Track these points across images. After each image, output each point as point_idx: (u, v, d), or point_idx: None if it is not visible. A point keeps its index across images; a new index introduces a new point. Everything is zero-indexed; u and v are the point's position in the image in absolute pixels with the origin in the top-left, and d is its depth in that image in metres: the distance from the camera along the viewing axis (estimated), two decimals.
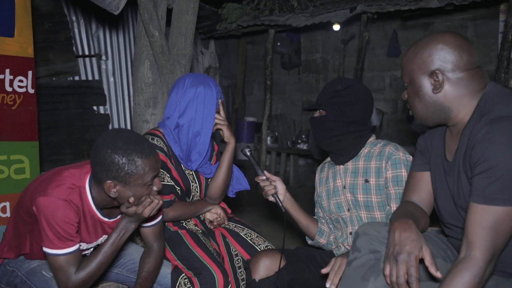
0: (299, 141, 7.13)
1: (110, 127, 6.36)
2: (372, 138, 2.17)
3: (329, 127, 2.10)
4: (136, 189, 1.70)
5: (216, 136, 2.61)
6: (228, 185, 2.44)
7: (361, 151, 2.14)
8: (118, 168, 1.64)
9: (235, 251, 2.33)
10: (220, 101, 2.33)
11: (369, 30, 5.90)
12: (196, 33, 5.84)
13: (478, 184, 1.38)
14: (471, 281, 1.33)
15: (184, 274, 2.09)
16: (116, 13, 3.18)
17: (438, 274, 1.35)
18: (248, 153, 2.26)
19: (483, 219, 1.35)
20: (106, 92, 6.33)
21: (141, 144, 1.69)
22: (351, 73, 6.93)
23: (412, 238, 1.41)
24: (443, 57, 1.52)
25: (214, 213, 2.42)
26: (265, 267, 2.04)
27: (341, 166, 2.19)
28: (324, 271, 1.77)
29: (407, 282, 1.38)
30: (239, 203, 5.61)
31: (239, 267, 2.29)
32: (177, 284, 2.07)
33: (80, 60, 6.12)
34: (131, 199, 1.70)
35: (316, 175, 2.37)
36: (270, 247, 2.33)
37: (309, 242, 2.33)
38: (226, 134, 2.34)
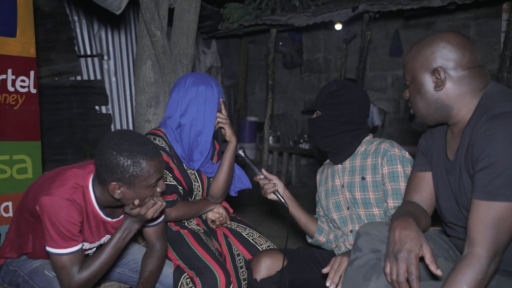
0: (301, 141, 7.13)
1: (112, 126, 6.37)
2: (368, 137, 2.20)
3: (325, 127, 2.14)
4: (140, 190, 1.71)
5: (218, 136, 2.62)
6: (230, 184, 2.44)
7: (358, 149, 2.17)
8: (123, 170, 1.65)
9: (237, 250, 2.33)
10: (221, 100, 2.33)
11: (371, 29, 5.90)
12: (198, 32, 5.85)
13: (480, 180, 1.38)
14: (474, 278, 1.32)
15: (186, 274, 2.09)
16: (117, 13, 3.18)
17: (438, 272, 1.35)
18: (243, 154, 2.28)
19: (485, 216, 1.35)
20: (108, 92, 6.34)
21: (146, 146, 1.69)
22: (353, 72, 6.92)
23: (412, 236, 1.41)
24: (445, 55, 1.53)
25: (216, 213, 2.42)
26: (267, 267, 2.04)
27: (339, 166, 2.21)
28: (324, 270, 1.78)
29: (408, 281, 1.38)
30: (241, 203, 5.61)
31: (241, 267, 2.29)
32: (179, 284, 2.07)
33: (82, 60, 6.13)
34: (136, 201, 1.71)
35: (317, 176, 2.39)
36: (272, 247, 2.34)
37: (309, 240, 2.33)
38: (228, 133, 2.35)
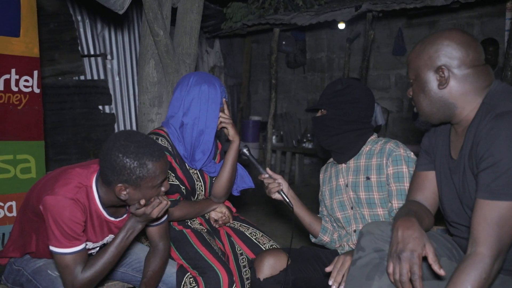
0: (304, 140, 7.12)
1: (115, 126, 6.38)
2: (373, 136, 2.19)
3: (330, 126, 2.12)
4: (146, 191, 1.72)
5: (221, 135, 2.61)
6: (232, 184, 2.44)
7: (362, 149, 2.16)
8: (130, 172, 1.65)
9: (240, 250, 2.33)
10: (224, 99, 2.33)
11: (374, 28, 5.89)
12: (201, 32, 5.85)
13: (484, 179, 1.38)
14: (478, 277, 1.32)
15: (189, 273, 2.09)
16: (121, 12, 3.18)
17: (441, 272, 1.35)
18: (247, 153, 2.27)
19: (488, 215, 1.35)
20: (111, 92, 6.35)
21: (151, 147, 1.70)
22: (357, 71, 6.91)
23: (415, 236, 1.41)
24: (449, 53, 1.52)
25: (219, 212, 2.42)
26: (270, 266, 2.04)
27: (343, 165, 2.20)
28: (328, 269, 1.78)
29: (411, 280, 1.37)
30: (244, 202, 5.62)
31: (244, 266, 2.29)
32: (182, 283, 2.07)
33: (86, 60, 6.14)
34: (142, 201, 1.72)
35: (320, 175, 2.38)
36: (275, 246, 2.34)
37: (313, 240, 2.33)
38: (231, 132, 2.35)
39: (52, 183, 1.76)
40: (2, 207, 2.99)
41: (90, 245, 1.90)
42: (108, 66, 6.32)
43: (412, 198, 1.76)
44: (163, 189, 1.77)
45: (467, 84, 1.52)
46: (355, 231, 2.14)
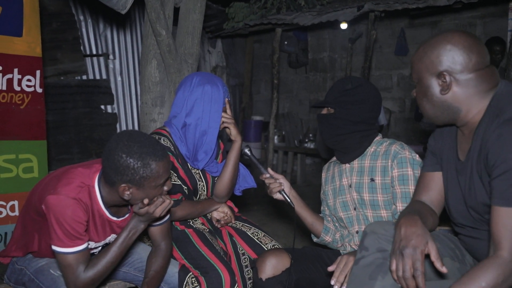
0: (306, 140, 7.12)
1: (117, 126, 6.39)
2: (378, 137, 2.16)
3: (336, 125, 2.10)
4: (149, 191, 1.72)
5: (223, 135, 2.62)
6: (234, 184, 2.44)
7: (367, 150, 2.13)
8: (134, 172, 1.66)
9: (242, 250, 2.33)
10: (226, 100, 2.33)
11: (376, 28, 5.88)
12: (203, 32, 5.85)
13: (498, 186, 1.38)
14: (496, 277, 1.31)
15: (191, 273, 2.10)
16: (123, 12, 3.18)
17: (444, 269, 1.35)
18: (249, 153, 2.26)
19: (507, 221, 1.35)
20: (113, 91, 6.36)
21: (154, 147, 1.70)
22: (359, 71, 6.91)
23: (418, 233, 1.41)
24: (451, 58, 1.51)
25: (221, 212, 2.42)
26: (272, 266, 2.03)
27: (347, 165, 2.18)
28: (330, 268, 1.77)
29: (413, 277, 1.37)
30: (246, 202, 5.61)
31: (246, 266, 2.29)
32: (184, 283, 2.07)
33: (88, 60, 6.15)
34: (146, 200, 1.72)
35: (323, 174, 2.37)
36: (277, 246, 2.33)
37: (315, 239, 2.32)
38: (233, 132, 2.35)
39: (54, 182, 1.76)
40: (5, 207, 3.00)
41: (92, 244, 1.90)
42: (110, 65, 6.33)
43: (418, 198, 1.76)
44: (165, 188, 1.77)
45: (471, 88, 1.51)
46: (357, 232, 2.13)
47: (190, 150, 2.30)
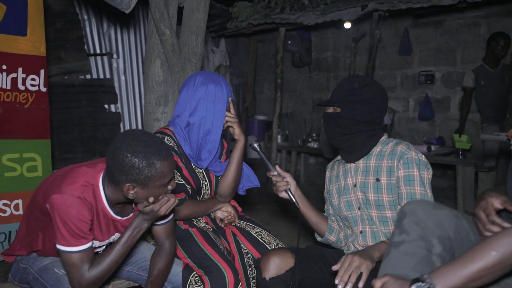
0: (310, 140, 7.12)
1: (121, 125, 6.40)
2: (384, 137, 2.15)
3: (343, 125, 2.08)
4: (154, 190, 1.73)
5: (226, 134, 2.61)
6: (238, 183, 2.44)
7: (373, 149, 2.12)
8: (139, 171, 1.66)
9: (245, 249, 2.33)
10: (230, 99, 2.33)
11: (380, 28, 5.87)
12: (207, 31, 5.85)
13: None
14: (508, 245, 1.26)
15: (195, 272, 2.10)
16: (127, 11, 3.19)
17: None
18: (258, 148, 2.22)
19: None
20: (117, 91, 6.37)
21: (159, 146, 1.70)
22: (362, 71, 6.89)
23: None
24: None
25: (224, 211, 2.42)
26: (276, 266, 2.03)
27: (352, 164, 2.17)
28: (334, 268, 1.77)
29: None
30: (250, 201, 5.62)
31: (250, 266, 2.29)
32: (188, 283, 2.07)
33: (92, 59, 6.16)
34: (151, 199, 1.73)
35: (327, 173, 2.36)
36: (281, 246, 2.33)
37: (318, 239, 2.32)
38: (237, 131, 2.34)
39: (59, 181, 1.77)
40: (9, 205, 3.00)
41: (96, 243, 1.90)
42: (114, 65, 6.34)
43: None
44: (170, 187, 1.78)
45: None
46: (361, 232, 2.12)
47: (194, 149, 2.30)
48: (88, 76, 6.12)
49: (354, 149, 2.13)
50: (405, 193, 1.98)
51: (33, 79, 3.06)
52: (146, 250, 2.18)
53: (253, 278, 2.25)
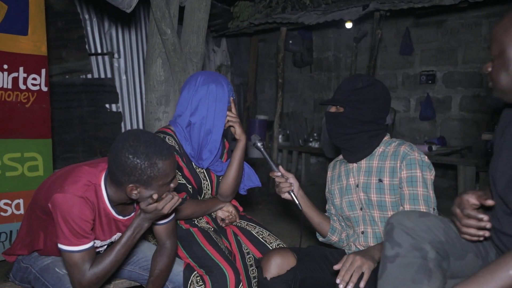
0: (311, 139, 7.12)
1: (122, 125, 6.40)
2: (386, 137, 2.13)
3: (346, 125, 2.06)
4: (156, 189, 1.73)
5: (228, 134, 2.61)
6: (239, 183, 2.43)
7: (376, 150, 2.10)
8: (141, 172, 1.66)
9: (246, 249, 2.33)
10: (231, 98, 2.32)
11: (381, 27, 5.87)
12: (208, 31, 5.85)
13: None
14: None
15: (196, 272, 2.10)
16: (128, 11, 3.19)
17: (490, 202, 1.42)
18: (261, 147, 2.19)
19: None
20: (118, 90, 6.37)
21: (160, 146, 1.70)
22: (364, 71, 6.89)
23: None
24: None
25: (225, 211, 2.42)
26: (277, 266, 2.03)
27: (354, 165, 2.16)
28: (336, 267, 1.76)
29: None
30: (251, 201, 5.62)
31: (251, 265, 2.29)
32: (189, 282, 2.07)
33: (93, 58, 6.16)
34: (155, 196, 1.73)
35: (328, 172, 2.35)
36: (282, 246, 2.33)
37: (320, 239, 2.31)
38: (238, 131, 2.34)
39: (61, 181, 1.77)
40: (10, 205, 3.00)
41: (97, 243, 1.90)
42: (115, 64, 6.34)
43: None
44: (172, 186, 1.78)
45: None
46: (363, 232, 2.11)
47: (195, 149, 2.30)
48: (89, 76, 6.12)
49: (356, 149, 2.11)
50: (408, 194, 1.96)
51: (34, 79, 3.06)
52: (147, 249, 2.18)
53: (254, 277, 2.25)
